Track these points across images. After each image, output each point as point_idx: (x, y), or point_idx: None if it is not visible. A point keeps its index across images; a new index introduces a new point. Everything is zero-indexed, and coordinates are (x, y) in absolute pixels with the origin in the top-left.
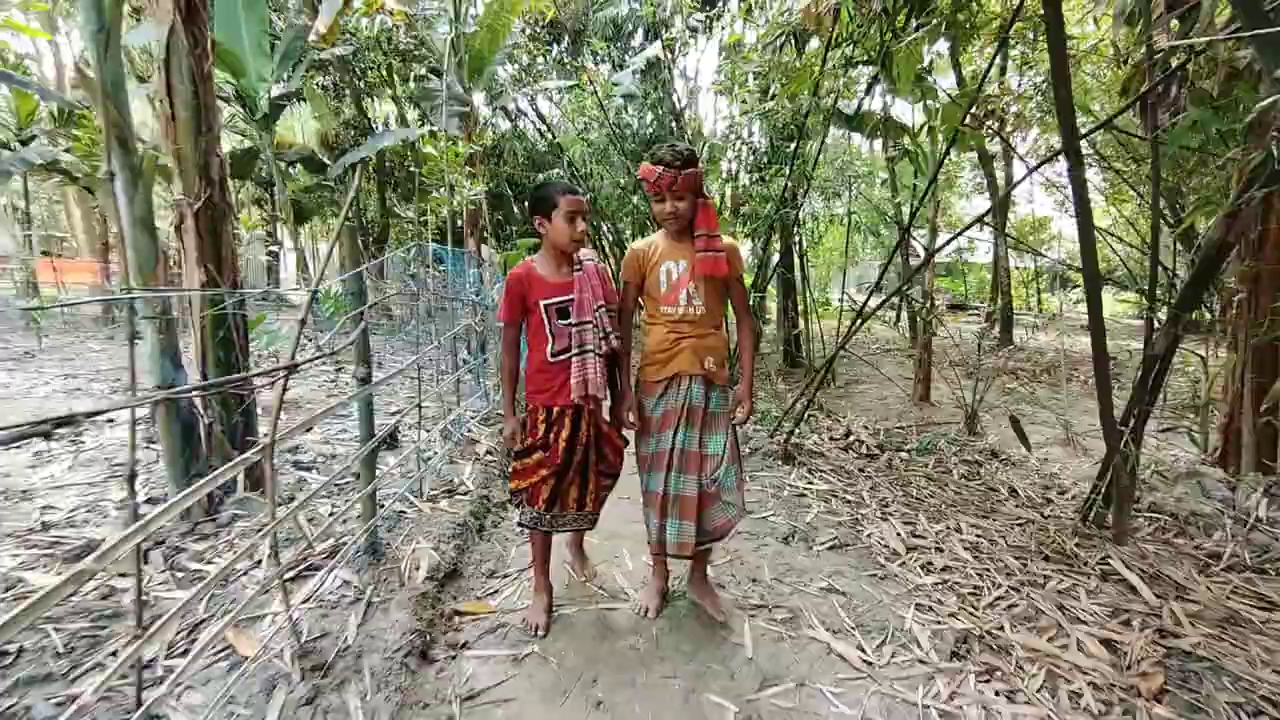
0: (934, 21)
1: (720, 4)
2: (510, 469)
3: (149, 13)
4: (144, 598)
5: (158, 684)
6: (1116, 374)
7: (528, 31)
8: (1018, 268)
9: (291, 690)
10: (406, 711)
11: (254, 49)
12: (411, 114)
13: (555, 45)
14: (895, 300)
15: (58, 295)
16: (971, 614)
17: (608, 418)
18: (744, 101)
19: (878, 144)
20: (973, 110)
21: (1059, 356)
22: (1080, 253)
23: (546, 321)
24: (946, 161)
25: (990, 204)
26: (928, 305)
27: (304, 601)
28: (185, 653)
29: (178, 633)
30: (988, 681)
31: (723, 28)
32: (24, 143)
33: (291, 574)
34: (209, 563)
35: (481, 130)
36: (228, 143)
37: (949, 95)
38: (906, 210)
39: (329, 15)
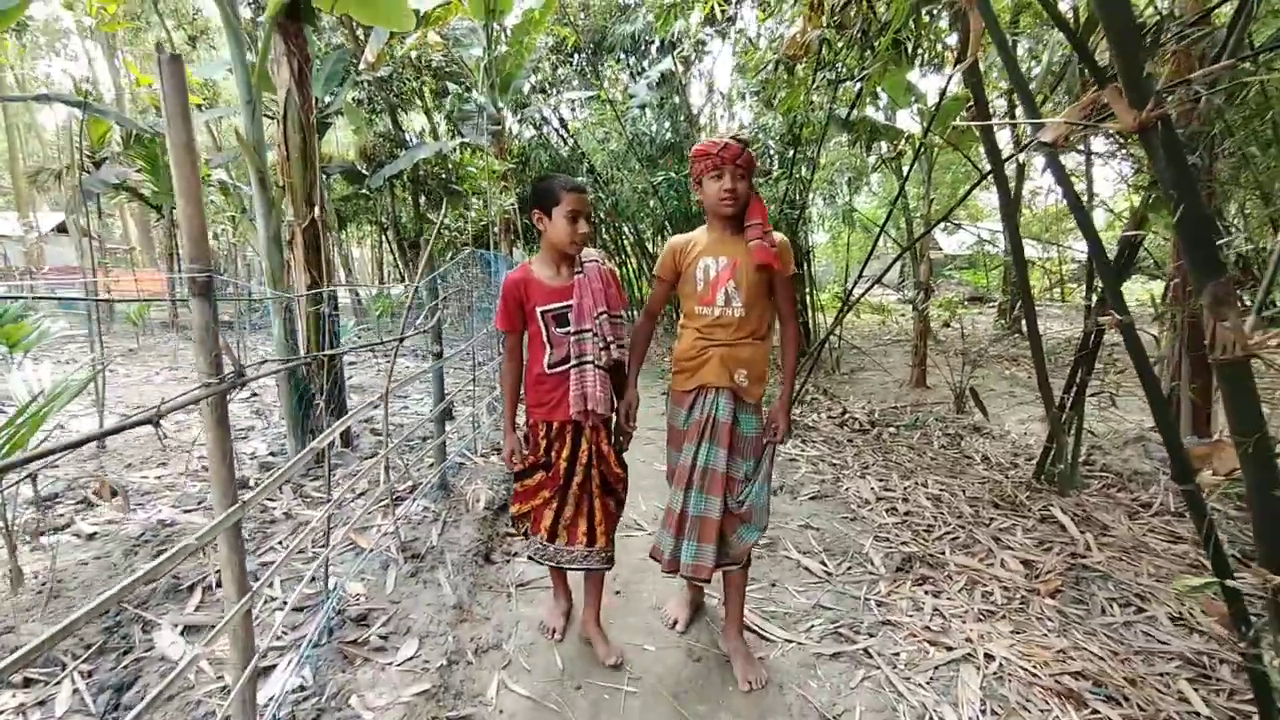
0: (888, 50)
1: (735, 10)
2: (512, 490)
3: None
4: (288, 512)
5: (313, 559)
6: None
7: (550, 43)
8: (1040, 260)
9: (400, 568)
10: (478, 589)
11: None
12: (442, 126)
13: (576, 55)
14: (911, 293)
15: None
16: (921, 544)
17: (610, 438)
18: (752, 109)
19: (883, 145)
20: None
21: (1060, 344)
22: (1010, 249)
23: (544, 329)
24: (958, 157)
25: (998, 198)
26: (921, 296)
27: (398, 518)
28: (324, 545)
29: (314, 537)
30: (920, 585)
31: (738, 31)
32: (97, 165)
33: (385, 502)
34: (325, 493)
35: (510, 141)
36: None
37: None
38: (923, 207)
39: (377, 45)
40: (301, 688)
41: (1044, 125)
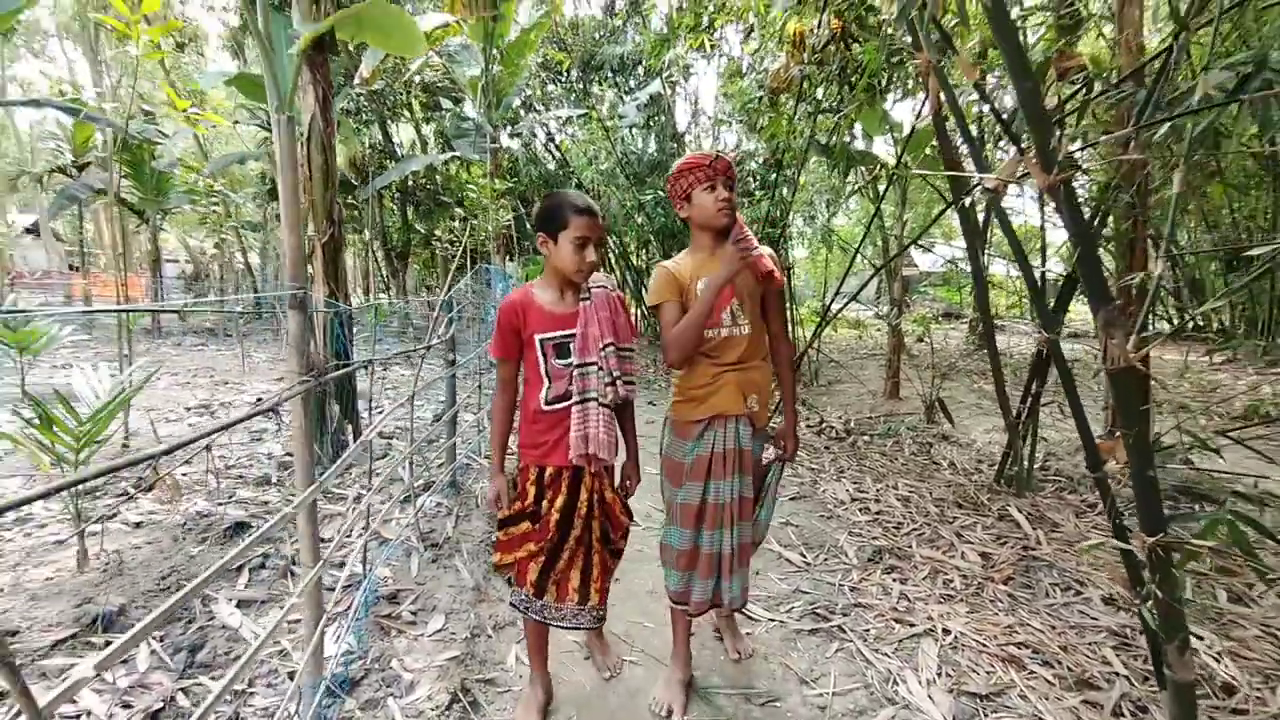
0: (864, 92)
1: (720, 36)
2: (495, 538)
3: (300, 104)
4: None
5: (341, 547)
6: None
7: (541, 60)
8: (1012, 277)
9: (422, 556)
10: (491, 575)
11: (296, 82)
12: (431, 139)
13: (566, 74)
14: (885, 310)
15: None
16: (891, 538)
17: (614, 484)
18: (736, 132)
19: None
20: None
21: (1025, 359)
22: (972, 273)
23: (542, 360)
24: (933, 178)
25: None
26: (895, 312)
27: (416, 512)
28: (363, 532)
29: (343, 526)
30: (889, 574)
31: (720, 55)
32: (80, 169)
33: (406, 496)
34: (345, 489)
35: (502, 156)
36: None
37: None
38: (898, 227)
39: (373, 61)
40: (349, 651)
41: (984, 177)
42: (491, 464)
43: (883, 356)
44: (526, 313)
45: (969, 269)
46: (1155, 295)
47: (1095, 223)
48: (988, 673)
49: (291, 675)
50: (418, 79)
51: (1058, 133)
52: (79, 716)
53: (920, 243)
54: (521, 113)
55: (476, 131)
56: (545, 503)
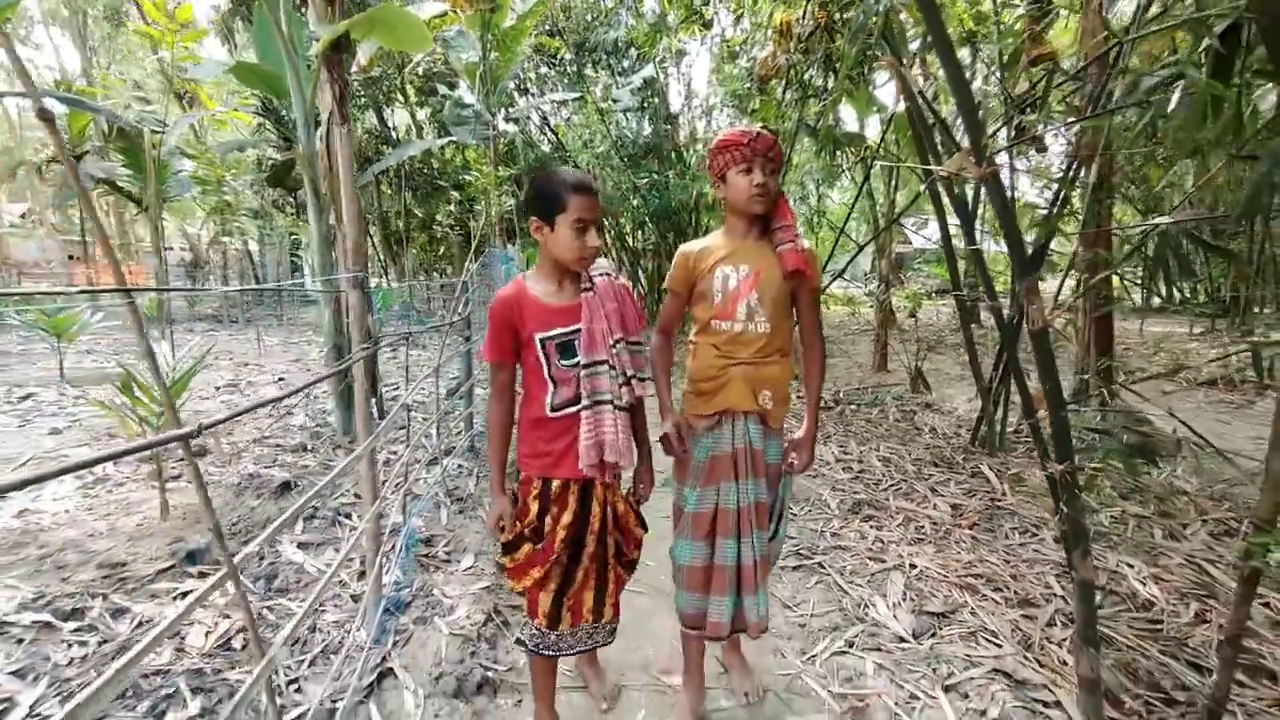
0: (845, 81)
1: (714, 16)
2: (501, 564)
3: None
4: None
5: (383, 500)
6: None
7: (534, 42)
8: (1000, 253)
9: (449, 508)
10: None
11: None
12: (426, 123)
13: (559, 59)
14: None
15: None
16: (870, 493)
17: (626, 493)
18: (729, 116)
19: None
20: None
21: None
22: (944, 251)
23: (544, 362)
24: (908, 165)
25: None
26: (882, 288)
27: (443, 471)
28: (399, 487)
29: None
30: (866, 522)
31: (713, 37)
32: (78, 158)
33: (433, 457)
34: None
35: (500, 141)
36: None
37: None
38: (891, 204)
39: (370, 49)
40: (397, 582)
41: (936, 169)
42: (491, 482)
43: (873, 331)
44: (522, 309)
45: (960, 246)
46: (1070, 267)
47: (1059, 202)
48: (945, 596)
49: (354, 598)
50: (420, 69)
51: (1031, 114)
52: (192, 623)
53: (903, 222)
54: (516, 96)
55: (476, 118)
56: (549, 519)
